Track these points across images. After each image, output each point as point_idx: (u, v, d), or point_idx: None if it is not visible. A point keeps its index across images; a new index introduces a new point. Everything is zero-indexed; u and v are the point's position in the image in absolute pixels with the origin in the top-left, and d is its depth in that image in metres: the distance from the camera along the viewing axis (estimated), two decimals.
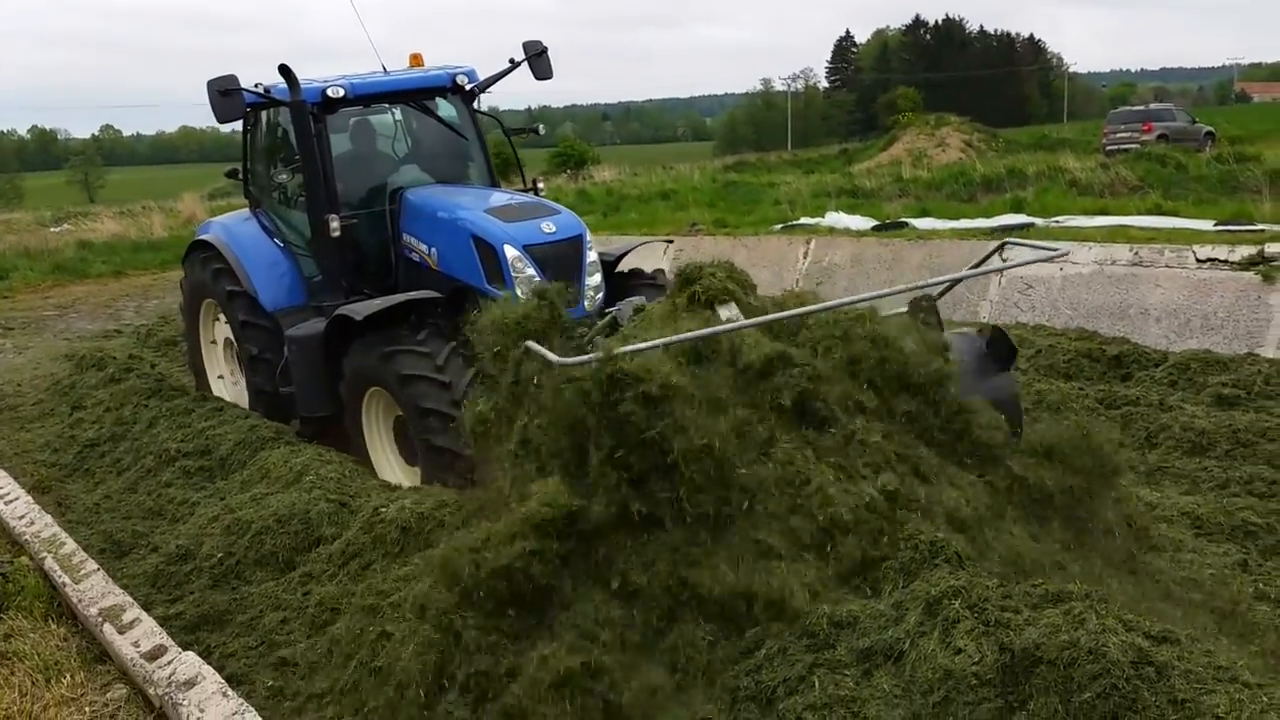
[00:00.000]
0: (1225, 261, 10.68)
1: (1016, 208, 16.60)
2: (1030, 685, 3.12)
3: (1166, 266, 11.15)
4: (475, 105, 9.16)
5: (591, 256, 7.80)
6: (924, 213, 17.37)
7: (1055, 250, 5.55)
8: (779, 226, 17.26)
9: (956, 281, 6.06)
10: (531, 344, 4.17)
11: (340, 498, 6.56)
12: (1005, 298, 12.43)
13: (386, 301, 7.33)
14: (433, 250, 8.02)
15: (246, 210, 9.51)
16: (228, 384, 9.77)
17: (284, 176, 8.76)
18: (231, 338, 9.19)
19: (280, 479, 7.08)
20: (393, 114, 9.22)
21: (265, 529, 6.24)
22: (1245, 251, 10.59)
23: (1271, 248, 10.46)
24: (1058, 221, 14.34)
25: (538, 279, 7.27)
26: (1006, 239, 6.10)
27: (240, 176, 9.56)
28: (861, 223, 16.36)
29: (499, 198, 8.33)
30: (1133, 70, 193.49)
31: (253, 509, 6.54)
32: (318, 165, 8.14)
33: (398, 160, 9.13)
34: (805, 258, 15.03)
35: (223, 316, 9.30)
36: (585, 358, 3.98)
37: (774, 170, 38.19)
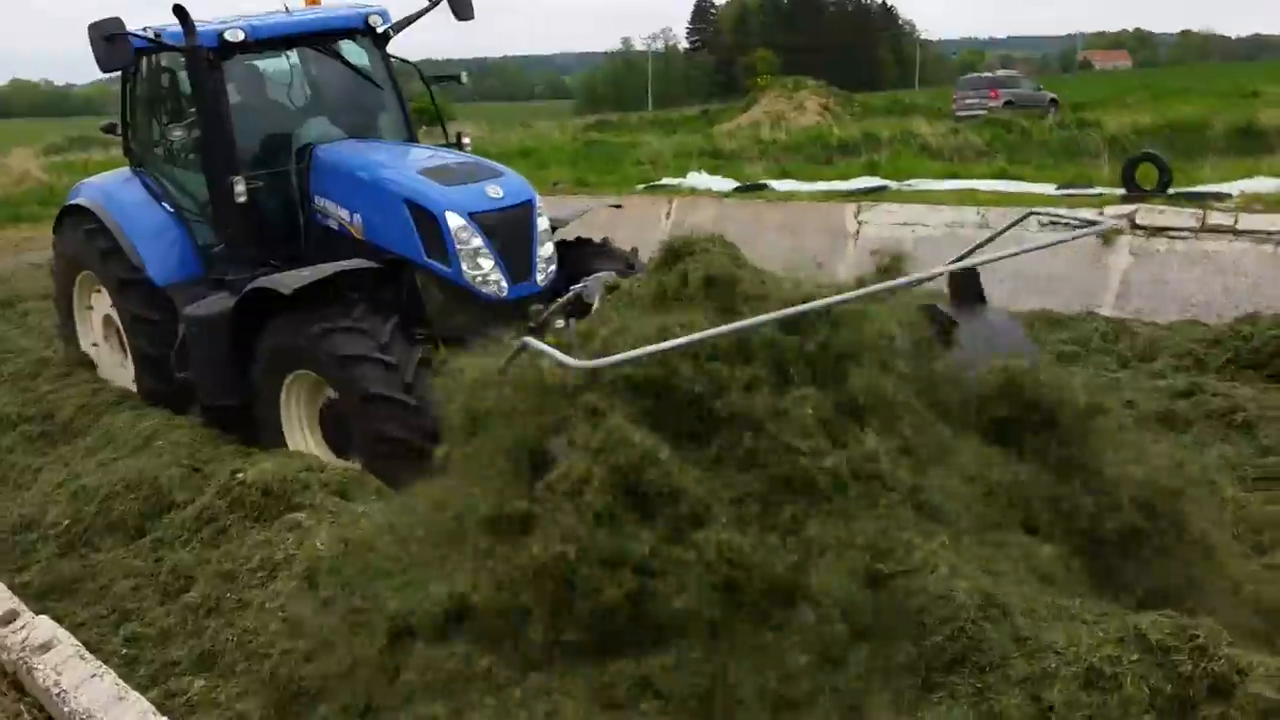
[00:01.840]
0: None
1: (871, 171, 17.01)
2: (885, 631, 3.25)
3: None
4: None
5: (543, 224, 7.10)
6: (783, 174, 17.67)
7: (1100, 224, 4.96)
8: (641, 187, 17.32)
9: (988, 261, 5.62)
10: (533, 341, 3.61)
11: (192, 463, 6.39)
12: (861, 259, 12.73)
13: (317, 272, 6.42)
14: (356, 216, 7.16)
15: (126, 170, 8.47)
16: (108, 364, 8.82)
17: (180, 132, 7.79)
18: (114, 316, 8.27)
19: (128, 444, 6.87)
20: (288, 59, 8.25)
21: (113, 495, 6.02)
22: (1084, 214, 11.06)
23: (1109, 210, 10.97)
24: (910, 185, 14.74)
25: (485, 250, 6.72)
26: (1033, 210, 5.79)
27: (119, 132, 8.54)
28: (723, 184, 16.55)
29: (430, 155, 7.55)
30: (982, 38, 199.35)
31: (100, 475, 6.31)
32: (217, 119, 7.30)
33: (300, 112, 8.24)
34: (668, 218, 15.13)
35: (103, 289, 8.35)
36: (611, 359, 3.46)
37: (635, 130, 38.18)
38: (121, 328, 8.17)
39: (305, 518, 5.27)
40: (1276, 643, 3.55)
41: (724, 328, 3.56)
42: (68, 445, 7.37)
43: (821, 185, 15.69)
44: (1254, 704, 2.82)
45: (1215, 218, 10.32)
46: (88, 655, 4.18)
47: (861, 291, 3.91)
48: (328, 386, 6.54)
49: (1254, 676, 2.90)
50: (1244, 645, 3.13)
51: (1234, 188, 11.62)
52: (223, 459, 6.45)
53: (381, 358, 6.11)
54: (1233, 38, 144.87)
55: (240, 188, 7.19)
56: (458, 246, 6.65)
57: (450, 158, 7.50)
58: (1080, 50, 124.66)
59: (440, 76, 9.43)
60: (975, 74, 39.18)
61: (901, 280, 4.15)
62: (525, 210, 7.00)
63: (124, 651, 4.82)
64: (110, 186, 8.40)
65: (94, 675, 3.99)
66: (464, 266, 6.68)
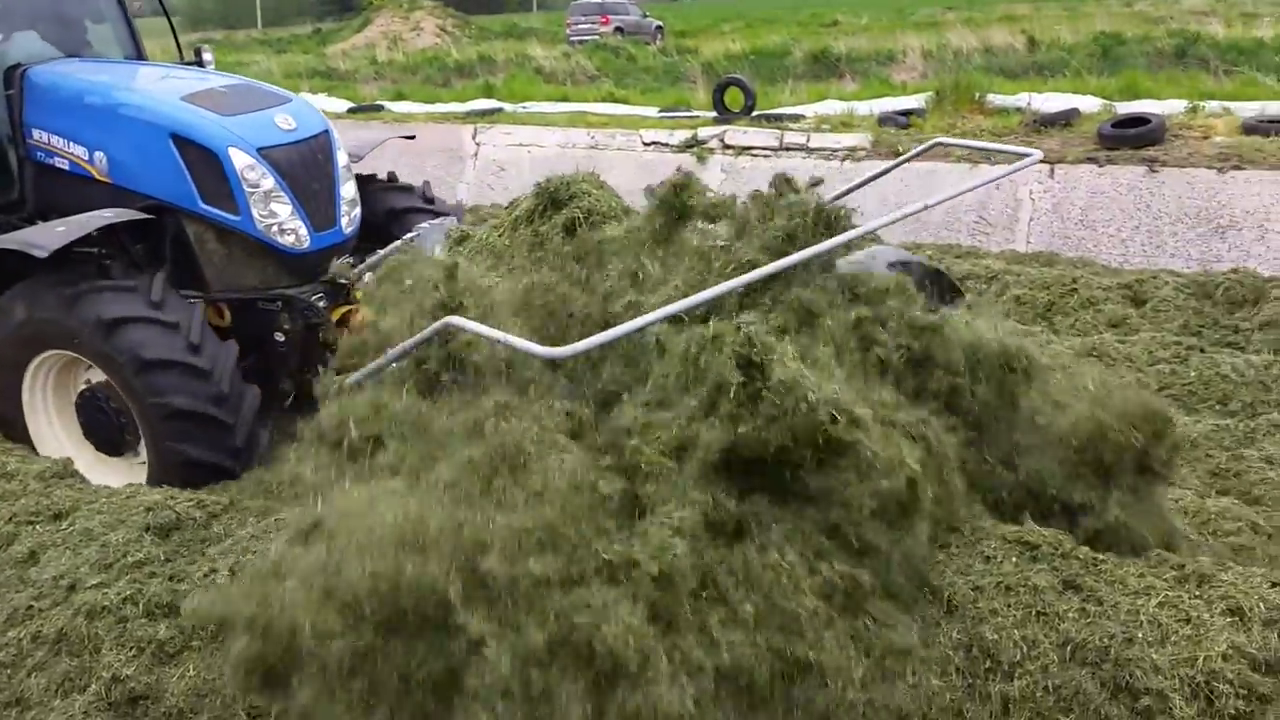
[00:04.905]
0: (666, 144, 12.11)
1: (488, 93, 17.38)
2: None
3: (619, 149, 12.42)
4: None
5: (343, 160, 6.03)
6: (400, 96, 17.74)
7: (1029, 155, 4.30)
8: None
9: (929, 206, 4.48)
10: (460, 320, 3.13)
11: None
12: (481, 180, 13.15)
13: (80, 226, 5.21)
14: (97, 154, 5.83)
15: None
16: None
17: None
18: None
19: None
20: None
21: None
22: (682, 135, 12.06)
23: (703, 132, 12.02)
24: (525, 107, 15.25)
25: (280, 193, 5.61)
26: (939, 139, 5.38)
27: None
28: (337, 105, 16.38)
29: (186, 77, 6.27)
30: None
31: None
32: None
33: None
34: None
35: None
36: (583, 344, 3.09)
37: (243, 49, 36.27)
38: None
39: None
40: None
41: (699, 295, 3.34)
42: None
43: (439, 107, 15.91)
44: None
45: (791, 137, 11.57)
46: None
47: (810, 251, 3.62)
48: (84, 368, 5.50)
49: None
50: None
51: (809, 110, 12.99)
52: None
53: (193, 363, 5.07)
54: None
55: None
56: (247, 190, 5.53)
57: (215, 80, 6.32)
58: None
59: None
60: (586, 0, 40.17)
61: (847, 235, 3.78)
62: (323, 143, 5.93)
63: None
64: None
65: None
66: (255, 214, 5.57)
